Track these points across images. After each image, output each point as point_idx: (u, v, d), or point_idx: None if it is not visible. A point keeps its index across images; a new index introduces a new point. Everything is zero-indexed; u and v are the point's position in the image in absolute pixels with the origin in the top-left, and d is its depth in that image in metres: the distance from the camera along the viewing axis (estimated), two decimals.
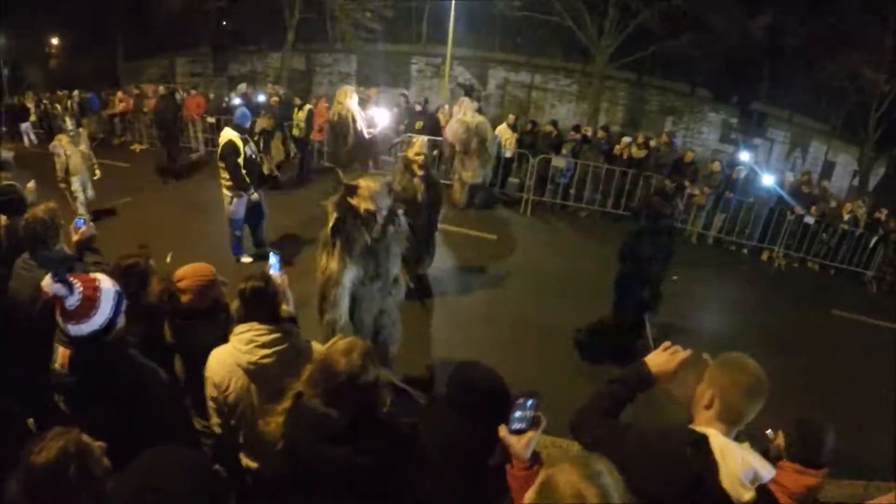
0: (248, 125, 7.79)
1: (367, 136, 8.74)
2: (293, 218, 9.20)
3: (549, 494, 1.50)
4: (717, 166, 11.40)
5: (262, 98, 13.96)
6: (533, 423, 1.93)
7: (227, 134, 7.28)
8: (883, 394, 7.06)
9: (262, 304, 2.86)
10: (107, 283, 2.39)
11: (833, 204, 11.84)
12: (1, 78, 20.32)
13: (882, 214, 11.42)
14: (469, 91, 18.13)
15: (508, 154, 11.94)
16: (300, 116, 12.22)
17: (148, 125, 14.16)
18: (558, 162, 11.37)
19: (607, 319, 6.27)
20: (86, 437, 1.80)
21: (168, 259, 6.73)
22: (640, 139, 12.10)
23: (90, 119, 14.83)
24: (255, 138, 9.42)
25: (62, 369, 2.39)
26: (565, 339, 6.51)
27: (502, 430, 1.92)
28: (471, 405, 2.29)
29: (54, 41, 24.71)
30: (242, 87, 14.39)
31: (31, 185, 5.11)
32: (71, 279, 2.27)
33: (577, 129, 12.35)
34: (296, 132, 12.38)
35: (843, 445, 5.76)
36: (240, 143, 7.20)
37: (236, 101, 12.82)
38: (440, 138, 11.49)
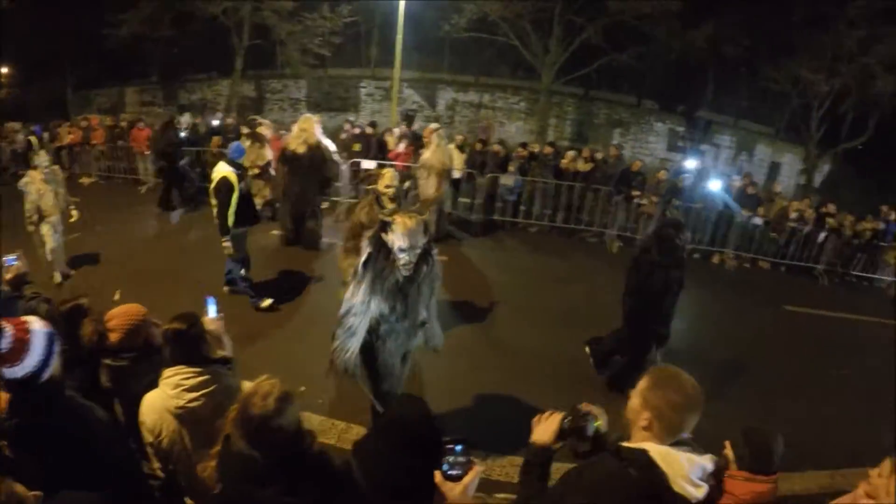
0: (242, 160, 7.22)
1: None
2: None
3: None
4: (663, 175, 11.52)
5: (215, 123, 13.67)
6: (467, 469, 1.89)
7: (222, 170, 6.73)
8: (840, 379, 7.32)
9: (184, 346, 2.83)
10: (38, 325, 2.39)
11: (781, 204, 12.10)
12: None
13: (830, 209, 11.80)
14: (410, 118, 17.99)
15: (457, 174, 11.87)
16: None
17: (97, 157, 13.79)
18: (506, 180, 11.38)
19: (619, 343, 6.11)
20: (19, 488, 1.80)
21: (116, 297, 6.61)
22: (586, 153, 12.21)
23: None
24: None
25: (1, 413, 2.37)
26: (525, 356, 6.50)
27: (437, 476, 1.89)
28: (400, 442, 2.25)
29: (3, 70, 24.02)
30: (186, 117, 13.97)
31: None
32: (1, 322, 2.28)
33: (524, 146, 12.37)
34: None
35: (806, 437, 5.92)
36: (235, 180, 6.69)
37: (183, 133, 12.48)
38: (389, 163, 11.35)
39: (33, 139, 13.58)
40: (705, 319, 8.46)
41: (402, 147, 12.17)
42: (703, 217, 11.34)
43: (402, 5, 15.27)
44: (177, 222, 10.46)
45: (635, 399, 2.11)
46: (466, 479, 1.88)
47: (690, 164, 13.42)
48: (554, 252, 10.70)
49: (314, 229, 9.29)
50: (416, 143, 12.12)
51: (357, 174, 11.83)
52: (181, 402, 2.74)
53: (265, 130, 10.26)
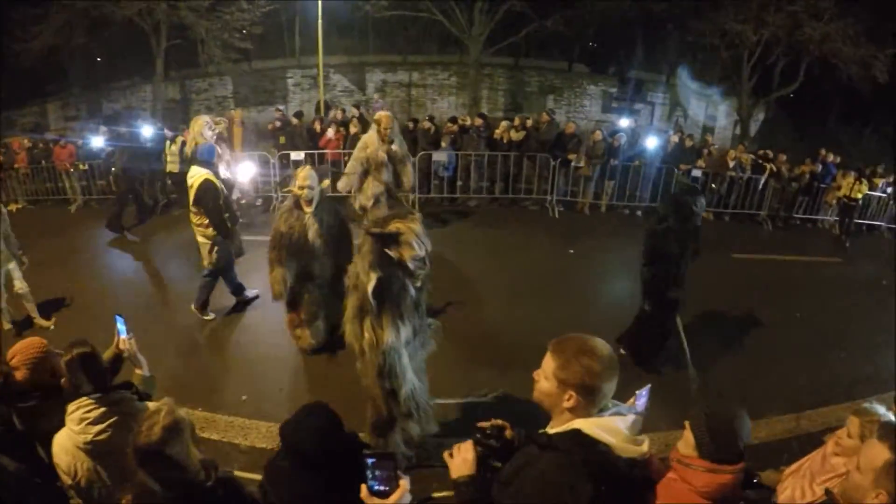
0: (215, 160, 6.42)
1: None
2: None
3: None
4: (598, 136, 11.29)
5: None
6: (394, 484, 1.79)
7: (199, 173, 6.06)
8: (794, 321, 7.40)
9: (88, 371, 2.71)
10: None
11: (717, 154, 12.13)
12: None
13: (769, 153, 11.96)
14: (327, 108, 17.11)
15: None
16: (174, 150, 10.83)
17: (22, 182, 12.63)
18: (439, 156, 10.97)
19: (641, 323, 6.04)
20: None
21: (51, 325, 6.55)
22: (518, 121, 11.90)
23: None
24: None
25: None
26: (485, 336, 6.30)
27: (363, 492, 1.81)
28: (302, 455, 2.24)
29: None
30: (103, 130, 12.95)
31: None
32: None
33: (453, 120, 11.94)
34: (171, 168, 10.98)
35: (767, 382, 5.77)
36: (215, 180, 6.08)
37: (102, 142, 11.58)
38: (320, 152, 10.91)
39: None
40: None
41: (330, 133, 11.61)
42: (643, 174, 11.27)
43: None
44: (136, 240, 9.51)
45: (548, 383, 1.96)
46: (394, 496, 1.77)
47: (624, 122, 13.27)
48: (496, 224, 10.42)
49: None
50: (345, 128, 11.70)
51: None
52: (88, 437, 2.64)
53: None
